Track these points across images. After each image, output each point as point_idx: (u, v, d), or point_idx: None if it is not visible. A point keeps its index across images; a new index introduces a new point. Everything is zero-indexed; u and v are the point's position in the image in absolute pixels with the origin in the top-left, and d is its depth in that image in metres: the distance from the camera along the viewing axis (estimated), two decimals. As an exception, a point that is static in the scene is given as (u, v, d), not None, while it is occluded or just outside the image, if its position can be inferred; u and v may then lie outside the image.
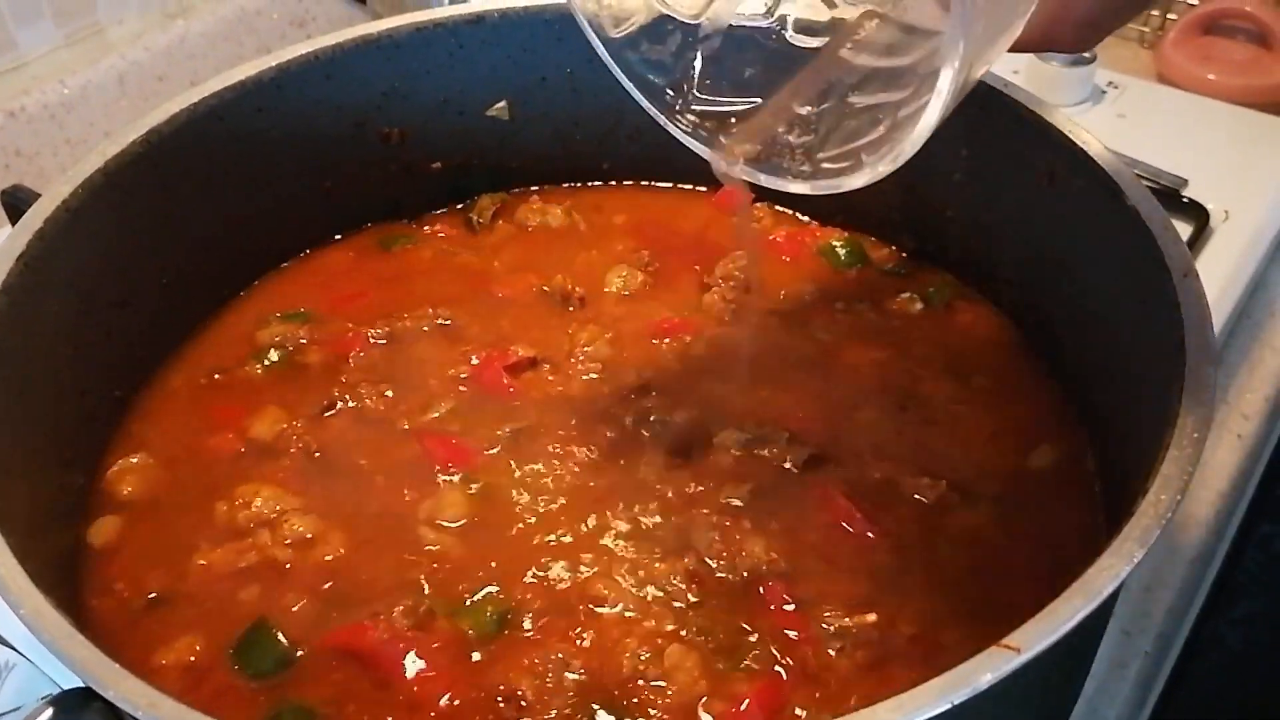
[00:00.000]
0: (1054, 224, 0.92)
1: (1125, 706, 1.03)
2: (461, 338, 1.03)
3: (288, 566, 0.83)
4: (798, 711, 0.75)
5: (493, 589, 0.81)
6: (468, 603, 0.81)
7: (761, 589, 0.81)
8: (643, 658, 0.77)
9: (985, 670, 0.55)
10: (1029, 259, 0.97)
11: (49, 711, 0.59)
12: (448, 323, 1.04)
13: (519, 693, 0.75)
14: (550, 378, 0.99)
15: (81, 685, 0.62)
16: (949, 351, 1.01)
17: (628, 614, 0.80)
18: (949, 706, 0.53)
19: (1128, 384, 0.83)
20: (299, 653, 0.78)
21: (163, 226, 0.97)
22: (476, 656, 0.78)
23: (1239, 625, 1.48)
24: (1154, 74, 1.66)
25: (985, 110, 0.96)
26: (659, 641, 0.78)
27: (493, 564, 0.83)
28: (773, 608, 0.80)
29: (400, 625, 0.78)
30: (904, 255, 1.11)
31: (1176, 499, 0.62)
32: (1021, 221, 0.97)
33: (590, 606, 0.81)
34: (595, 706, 0.75)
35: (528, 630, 0.79)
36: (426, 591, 0.81)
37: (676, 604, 0.81)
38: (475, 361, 0.99)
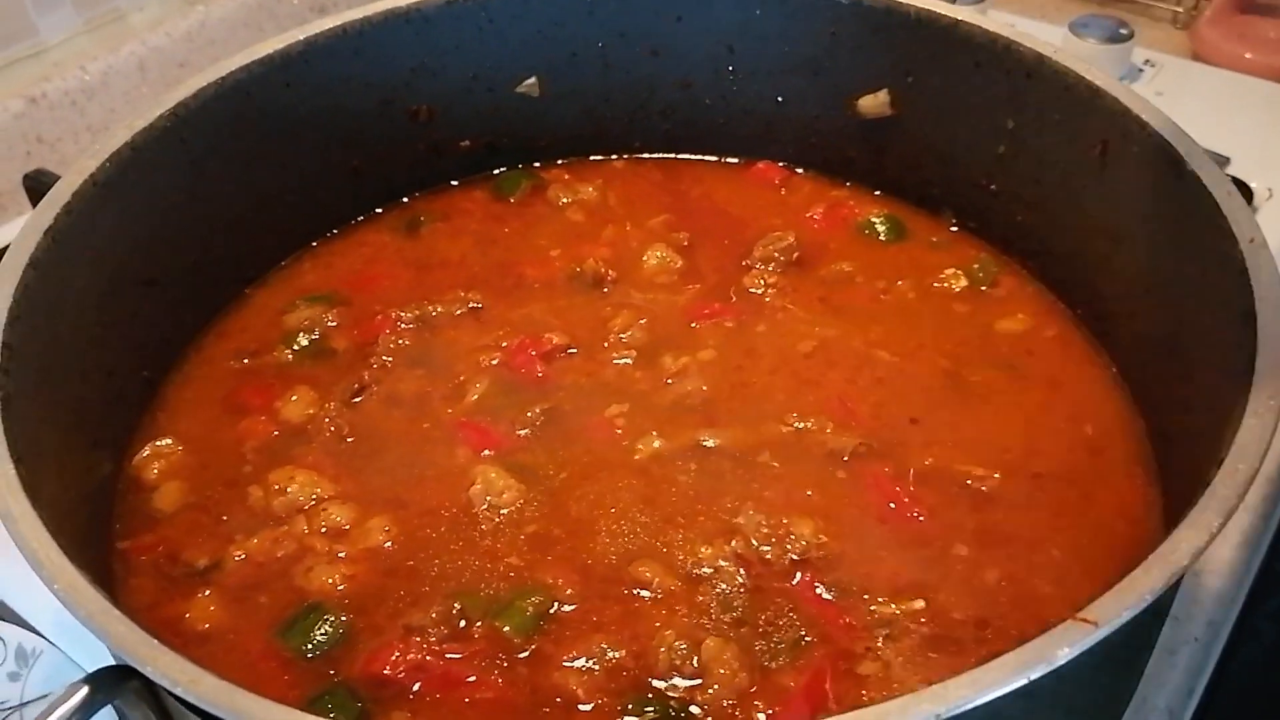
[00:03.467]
0: (1106, 195, 0.90)
1: (1175, 694, 1.00)
2: (492, 322, 1.00)
3: (324, 555, 0.81)
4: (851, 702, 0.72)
5: (529, 578, 0.79)
6: (504, 597, 0.78)
7: (807, 575, 0.79)
8: (681, 649, 0.74)
9: (1062, 644, 0.52)
10: (1079, 232, 0.94)
11: (84, 690, 0.57)
12: (478, 306, 1.02)
13: (575, 692, 0.73)
14: (583, 364, 0.96)
15: (115, 664, 0.60)
16: (994, 330, 0.98)
17: (670, 599, 0.78)
18: (1025, 683, 0.51)
19: (1188, 356, 0.80)
20: (343, 636, 0.76)
21: (190, 204, 0.95)
22: (520, 657, 0.75)
23: (1275, 619, 1.45)
24: (1189, 53, 1.63)
25: (1032, 79, 0.93)
26: (698, 633, 0.75)
27: (531, 550, 0.81)
28: (818, 594, 0.78)
29: (433, 638, 0.75)
30: (945, 230, 1.08)
31: (1255, 467, 0.59)
32: (1071, 193, 0.94)
33: (633, 591, 0.78)
34: (641, 702, 0.72)
35: (568, 624, 0.77)
36: (461, 584, 0.79)
37: (721, 587, 0.78)
38: (506, 346, 0.97)
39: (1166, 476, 0.83)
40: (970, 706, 0.50)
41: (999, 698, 0.51)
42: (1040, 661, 0.52)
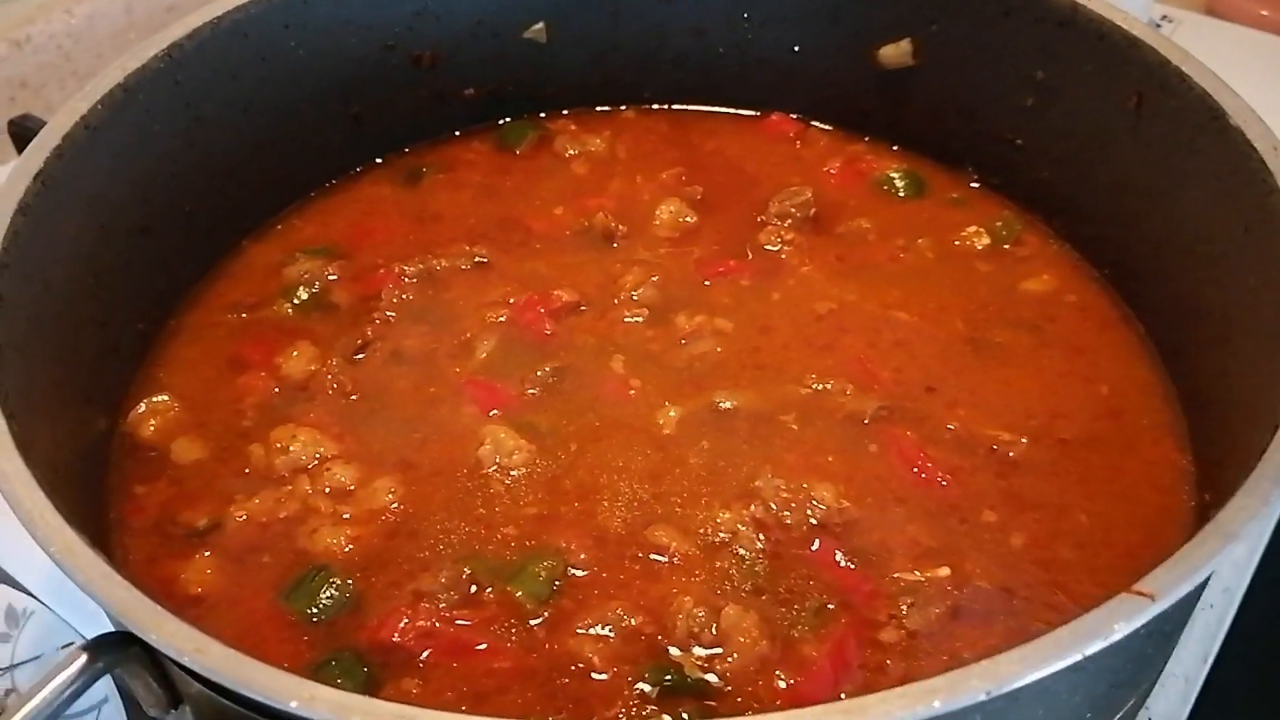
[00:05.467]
0: (1140, 150, 0.87)
1: (1191, 661, 0.99)
2: (499, 277, 0.97)
3: (329, 516, 0.78)
4: (874, 673, 0.70)
5: (542, 542, 0.76)
6: (515, 562, 0.75)
7: (828, 541, 0.76)
8: (699, 617, 0.71)
9: (1117, 619, 0.50)
10: (1109, 189, 0.91)
11: (83, 658, 0.54)
12: (484, 261, 0.98)
13: (590, 659, 0.70)
14: (593, 322, 0.93)
15: (115, 630, 0.57)
16: (1018, 291, 0.95)
17: (687, 564, 0.75)
18: (1080, 658, 0.48)
19: (1226, 319, 0.77)
20: (349, 599, 0.74)
21: (185, 149, 0.91)
22: (533, 624, 0.72)
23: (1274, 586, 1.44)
24: (1204, 8, 1.59)
25: (1064, 28, 0.90)
26: (716, 600, 0.73)
27: (542, 514, 0.78)
28: (840, 560, 0.75)
29: (443, 604, 0.73)
30: (966, 186, 1.04)
31: (1312, 434, 0.57)
32: (1102, 148, 0.91)
33: (648, 556, 0.76)
34: (659, 670, 0.70)
35: (582, 589, 0.74)
36: (471, 548, 0.76)
37: (740, 553, 0.76)
38: (514, 303, 0.93)
39: (1199, 442, 0.80)
40: (1022, 684, 0.48)
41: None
42: (1096, 637, 0.49)
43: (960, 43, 0.99)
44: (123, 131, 0.83)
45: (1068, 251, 0.97)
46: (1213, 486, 0.76)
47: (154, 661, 0.57)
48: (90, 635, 0.87)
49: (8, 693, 0.89)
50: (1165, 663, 0.76)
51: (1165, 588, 0.51)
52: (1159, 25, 1.47)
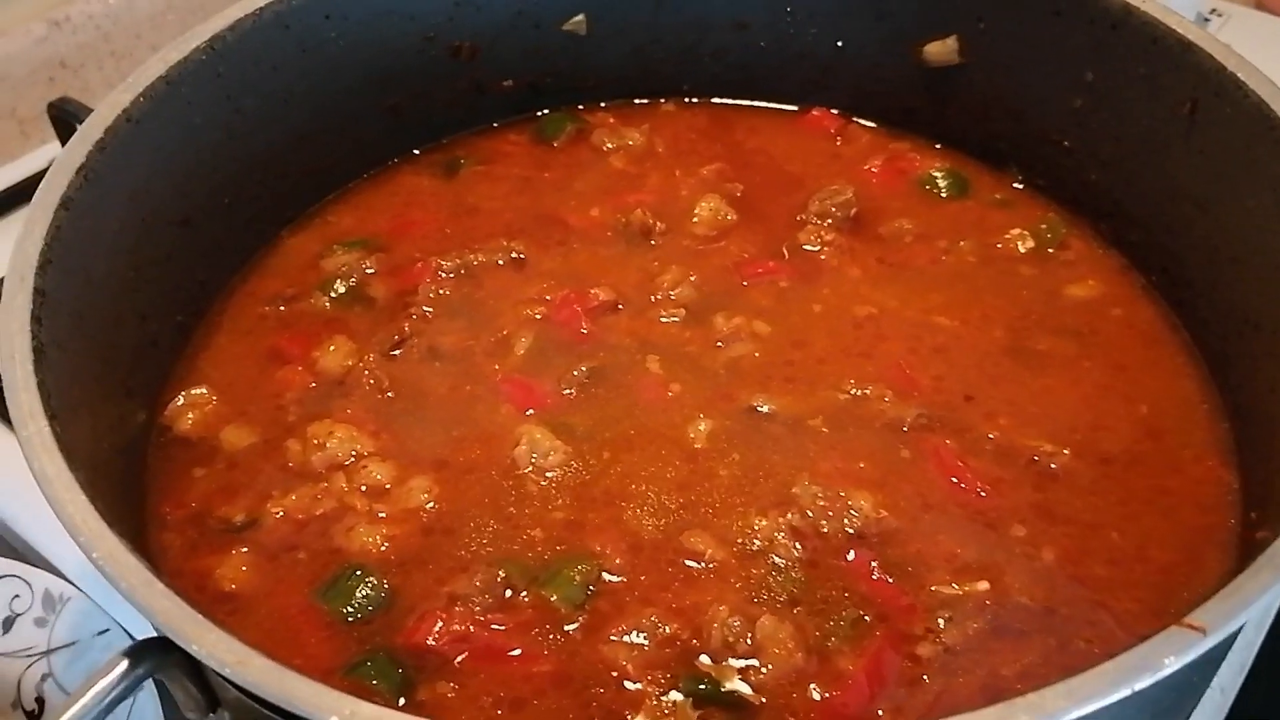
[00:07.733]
0: (1193, 157, 0.85)
1: (1228, 673, 0.97)
2: (536, 273, 0.96)
3: (365, 514, 0.78)
4: (910, 688, 0.69)
5: (576, 545, 0.76)
6: (550, 565, 0.75)
7: (865, 551, 0.75)
8: (734, 626, 0.71)
9: (1167, 653, 0.49)
10: (1159, 195, 0.89)
11: (124, 664, 0.54)
12: (520, 256, 0.97)
13: (624, 667, 0.70)
14: (630, 322, 0.92)
15: (155, 636, 0.58)
16: (1062, 296, 0.93)
17: (722, 572, 0.74)
18: (1129, 693, 0.47)
19: (1278, 333, 0.76)
20: (385, 600, 0.74)
21: (226, 141, 0.91)
22: (568, 630, 0.72)
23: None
24: (1253, 2, 1.56)
25: (1117, 30, 0.88)
26: (752, 609, 0.72)
27: (577, 516, 0.78)
28: (877, 571, 0.74)
29: (478, 607, 0.72)
30: (1010, 187, 1.03)
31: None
32: (1153, 154, 0.89)
33: (683, 562, 0.75)
34: (693, 680, 0.69)
35: (616, 595, 0.73)
36: (506, 549, 0.76)
37: (776, 561, 0.75)
38: (551, 300, 0.93)
39: (1245, 457, 0.79)
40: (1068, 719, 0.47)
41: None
42: (1146, 671, 0.48)
43: (1008, 41, 0.97)
44: (164, 124, 0.83)
45: (1114, 256, 0.96)
46: (1259, 505, 0.74)
47: (194, 668, 0.57)
48: (126, 623, 0.88)
49: (44, 677, 0.90)
50: (1207, 686, 0.75)
51: (1218, 620, 0.50)
52: (1208, 20, 1.44)
